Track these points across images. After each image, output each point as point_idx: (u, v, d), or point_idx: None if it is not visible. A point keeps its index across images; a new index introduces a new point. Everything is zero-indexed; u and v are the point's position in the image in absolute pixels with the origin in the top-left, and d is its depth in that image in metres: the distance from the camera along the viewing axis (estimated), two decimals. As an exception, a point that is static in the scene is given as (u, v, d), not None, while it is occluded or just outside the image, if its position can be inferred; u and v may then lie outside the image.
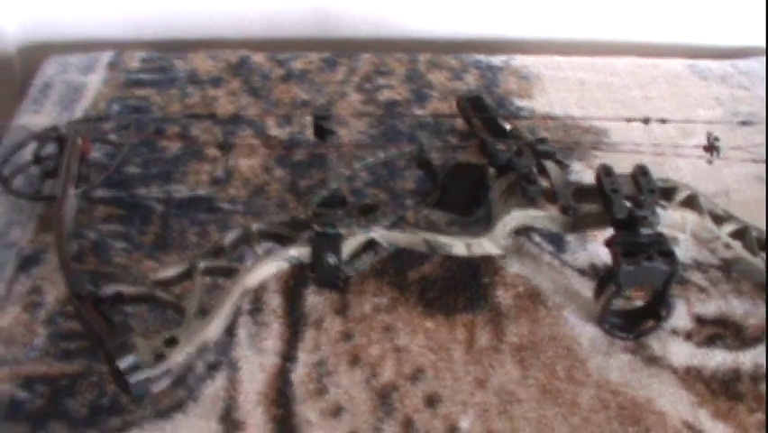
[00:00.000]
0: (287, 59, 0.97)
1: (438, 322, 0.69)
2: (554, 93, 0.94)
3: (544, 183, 0.72)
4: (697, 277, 0.74)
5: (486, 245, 0.71)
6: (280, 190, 0.79)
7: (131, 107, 0.89)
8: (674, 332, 0.70)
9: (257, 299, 0.70)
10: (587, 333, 0.69)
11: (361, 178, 0.81)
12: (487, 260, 0.73)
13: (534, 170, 0.72)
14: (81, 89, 0.92)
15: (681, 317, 0.71)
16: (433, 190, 0.78)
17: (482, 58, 0.98)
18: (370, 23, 1.03)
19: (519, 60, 0.99)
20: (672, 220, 0.73)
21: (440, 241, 0.71)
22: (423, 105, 0.91)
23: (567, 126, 0.89)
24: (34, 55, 1.00)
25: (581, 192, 0.72)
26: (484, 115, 0.85)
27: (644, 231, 0.67)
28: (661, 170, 0.84)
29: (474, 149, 0.83)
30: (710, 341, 0.69)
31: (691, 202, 0.74)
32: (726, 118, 0.92)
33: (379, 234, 0.70)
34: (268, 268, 0.67)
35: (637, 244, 0.67)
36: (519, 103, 0.92)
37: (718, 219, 0.75)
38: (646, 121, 0.85)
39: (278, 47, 1.00)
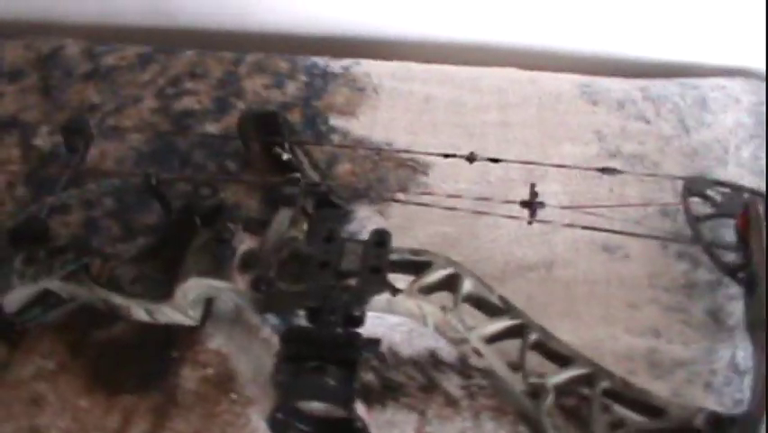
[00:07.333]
0: (101, 52, 0.85)
1: (95, 402, 0.57)
2: (385, 111, 0.76)
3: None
4: (452, 382, 0.57)
5: (169, 313, 0.58)
6: (12, 213, 0.69)
7: None
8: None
9: None
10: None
11: (103, 205, 0.69)
12: (189, 327, 0.60)
13: (234, 226, 0.57)
14: None
15: (402, 438, 0.55)
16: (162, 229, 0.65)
17: (321, 61, 0.82)
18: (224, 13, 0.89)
19: (364, 66, 0.81)
20: (405, 309, 0.56)
21: (116, 302, 0.59)
22: (218, 118, 0.76)
23: (381, 157, 0.72)
24: None
25: (297, 259, 0.57)
26: (267, 138, 0.70)
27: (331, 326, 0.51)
28: (474, 227, 0.66)
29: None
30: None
31: (450, 284, 0.57)
32: (598, 160, 0.71)
33: (55, 284, 0.59)
34: None
35: (314, 343, 0.52)
36: (335, 122, 0.75)
37: (491, 311, 0.57)
38: (471, 159, 0.67)
39: (119, 34, 0.89)
